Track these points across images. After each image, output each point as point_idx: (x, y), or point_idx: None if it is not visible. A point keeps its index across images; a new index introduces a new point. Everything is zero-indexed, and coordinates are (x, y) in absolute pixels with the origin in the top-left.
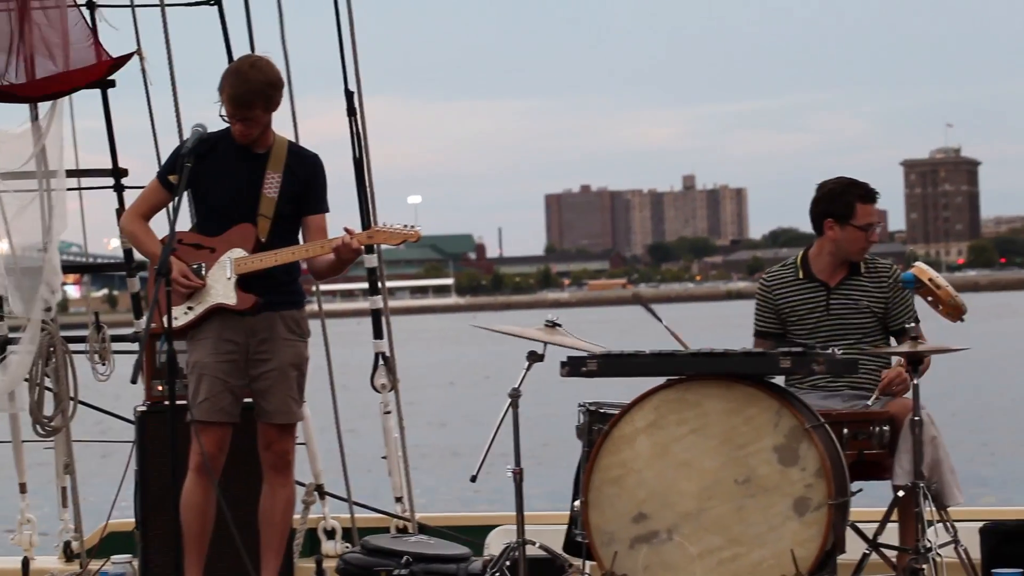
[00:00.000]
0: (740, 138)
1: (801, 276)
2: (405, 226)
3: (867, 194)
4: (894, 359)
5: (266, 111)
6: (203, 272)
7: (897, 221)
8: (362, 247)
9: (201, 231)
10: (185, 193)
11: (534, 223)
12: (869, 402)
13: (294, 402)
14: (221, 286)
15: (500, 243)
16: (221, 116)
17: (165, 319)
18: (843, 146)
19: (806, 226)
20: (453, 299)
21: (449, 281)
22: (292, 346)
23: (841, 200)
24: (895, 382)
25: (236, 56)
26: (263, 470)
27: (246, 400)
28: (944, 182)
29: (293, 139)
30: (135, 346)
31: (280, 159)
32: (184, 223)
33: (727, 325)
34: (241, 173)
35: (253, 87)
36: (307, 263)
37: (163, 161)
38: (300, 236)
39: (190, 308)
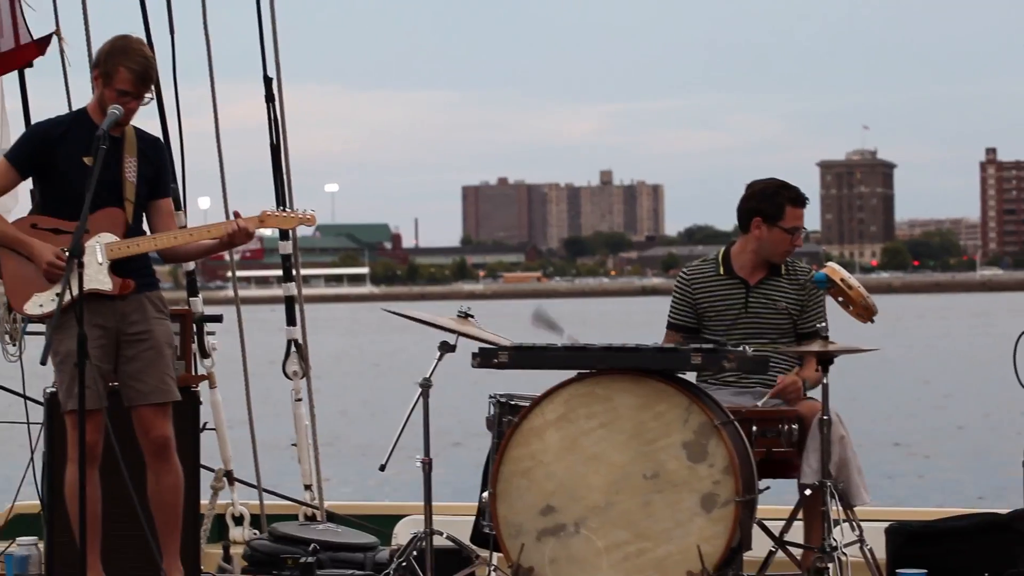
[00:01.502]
0: (658, 135)
1: (722, 272)
2: (299, 210)
3: (798, 198)
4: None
5: (148, 91)
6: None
7: (812, 222)
8: (254, 231)
9: (55, 215)
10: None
11: (451, 214)
12: (759, 402)
13: (171, 380)
14: (93, 271)
15: (416, 234)
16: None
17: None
18: (761, 146)
19: (722, 223)
20: (368, 288)
21: (364, 270)
22: (162, 324)
23: (772, 201)
24: (789, 389)
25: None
26: (145, 457)
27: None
28: (860, 184)
29: (214, 125)
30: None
31: (132, 143)
32: (23, 208)
33: (641, 321)
34: (105, 158)
35: (151, 63)
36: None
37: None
38: (145, 220)
39: (58, 295)
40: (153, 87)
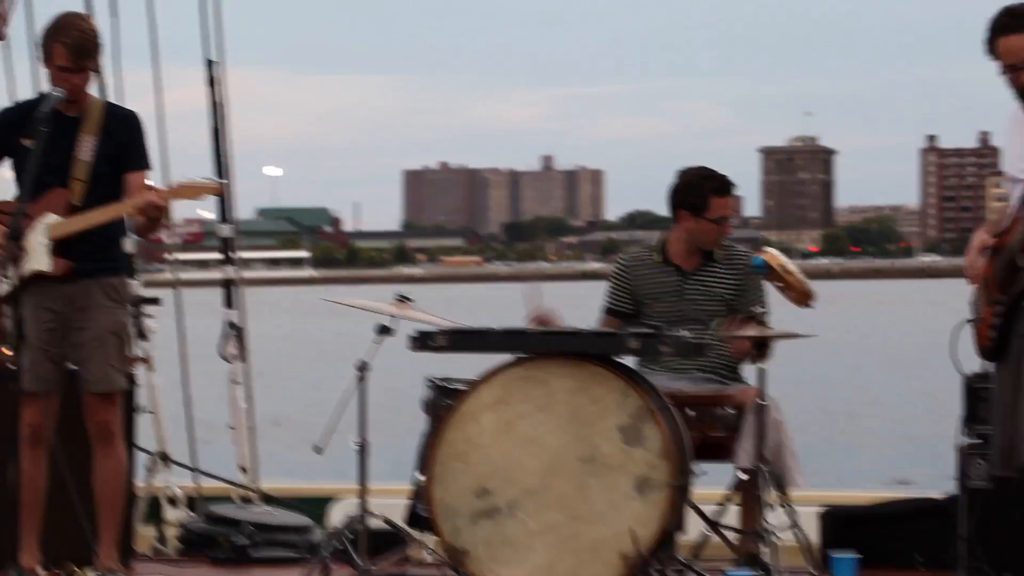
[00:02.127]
0: (600, 121)
1: (659, 260)
2: (206, 178)
3: (722, 187)
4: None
5: (97, 62)
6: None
7: (753, 207)
8: (166, 203)
9: (18, 198)
10: (9, 165)
11: (392, 198)
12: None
13: (114, 370)
14: (37, 252)
15: (357, 217)
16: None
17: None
18: (702, 132)
19: (663, 209)
20: (308, 272)
21: (304, 254)
22: (111, 313)
23: (696, 192)
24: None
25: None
26: (91, 440)
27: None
28: (800, 170)
29: (155, 107)
30: None
31: (96, 120)
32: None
33: (581, 305)
34: (54, 138)
35: (91, 36)
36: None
37: None
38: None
39: (6, 277)
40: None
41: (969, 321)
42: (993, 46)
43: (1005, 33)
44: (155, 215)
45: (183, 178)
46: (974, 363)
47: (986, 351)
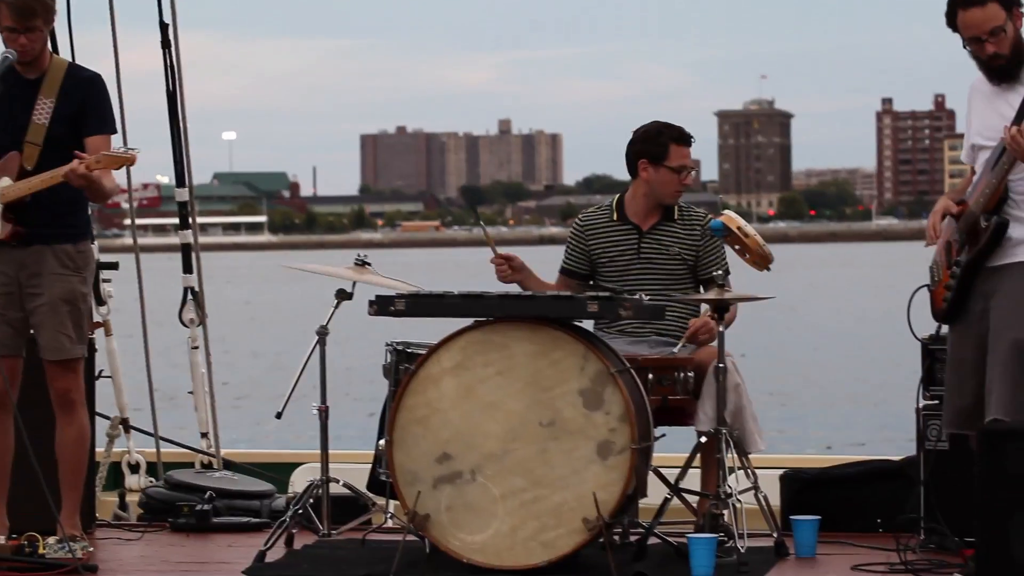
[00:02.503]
0: (557, 84)
1: (615, 219)
2: (123, 149)
3: (681, 137)
4: (703, 307)
5: (47, 22)
6: None
7: (710, 171)
8: (90, 171)
9: None
10: None
11: (349, 163)
12: (675, 349)
13: (66, 339)
14: None
15: (314, 182)
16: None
17: None
18: (659, 95)
19: (620, 173)
20: (266, 237)
21: (262, 219)
22: (64, 280)
23: (656, 141)
24: (701, 331)
25: None
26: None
27: None
28: (757, 134)
29: (115, 71)
30: None
31: (55, 82)
32: None
33: (540, 270)
34: (9, 101)
35: None
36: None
37: None
38: None
39: None
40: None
41: (927, 287)
42: (952, 19)
43: (964, 6)
44: (80, 183)
45: (112, 150)
46: (929, 327)
47: (940, 313)
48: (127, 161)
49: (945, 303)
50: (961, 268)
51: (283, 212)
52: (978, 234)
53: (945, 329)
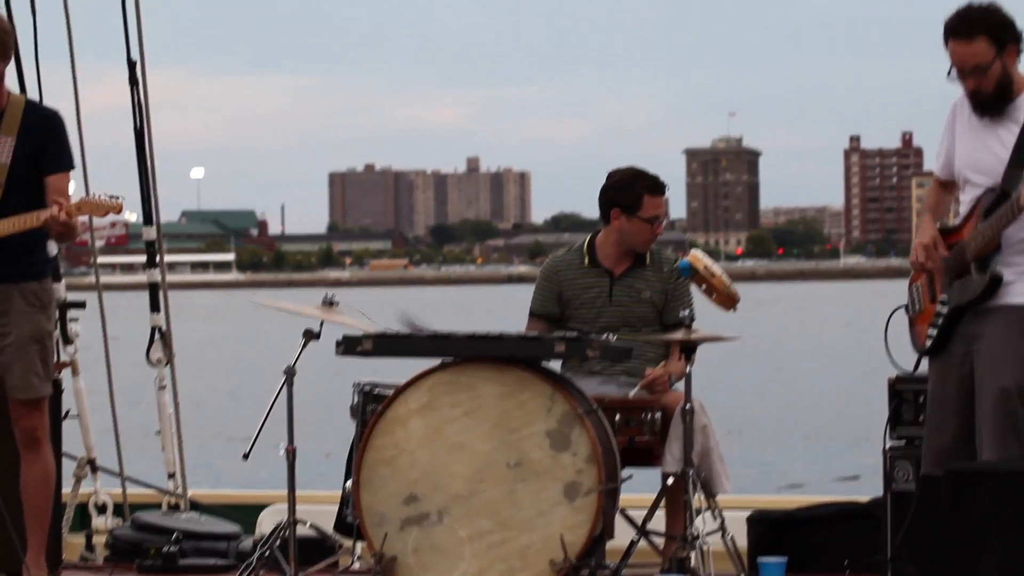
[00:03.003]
0: (526, 122)
1: (586, 263)
2: (111, 196)
3: (655, 186)
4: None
5: (5, 59)
6: None
7: (678, 209)
8: (72, 218)
9: None
10: None
11: (317, 201)
12: (630, 394)
13: (36, 377)
14: None
15: (283, 220)
16: None
17: None
18: (627, 132)
19: (588, 212)
20: (234, 275)
21: (230, 257)
22: (31, 318)
23: (629, 191)
24: (657, 382)
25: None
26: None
27: None
28: (725, 171)
29: (75, 108)
30: None
31: (14, 120)
32: None
33: (507, 309)
34: None
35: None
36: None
37: None
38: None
39: None
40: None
41: (904, 308)
42: (946, 43)
43: (954, 36)
44: (59, 230)
45: (92, 195)
46: (903, 351)
47: (923, 347)
48: (112, 209)
49: (929, 339)
50: (948, 311)
51: (251, 250)
52: (966, 279)
53: (902, 361)
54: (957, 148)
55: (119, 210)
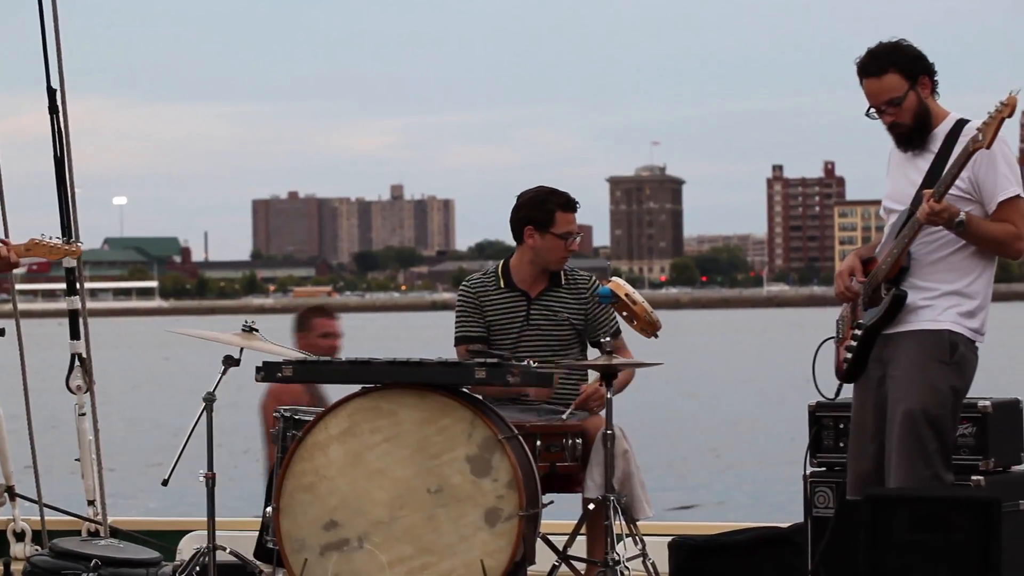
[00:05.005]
0: (450, 150)
1: (502, 286)
2: (67, 240)
3: (567, 203)
4: (592, 374)
5: None
6: None
7: (602, 237)
8: (19, 260)
9: None
10: None
11: (241, 228)
12: (564, 415)
13: None
14: None
15: (206, 247)
16: None
17: None
18: (551, 161)
19: (512, 239)
20: (157, 302)
21: (153, 284)
22: None
23: (542, 208)
24: (592, 398)
25: None
26: None
27: None
28: (649, 199)
29: None
30: None
31: None
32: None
33: (431, 335)
34: None
35: None
36: None
37: None
38: None
39: None
40: None
41: (833, 339)
42: (861, 85)
43: (864, 75)
44: (5, 270)
45: (42, 237)
46: (833, 384)
47: (841, 373)
48: (67, 254)
49: (846, 364)
50: (861, 333)
51: (174, 277)
52: (878, 301)
53: (828, 391)
54: (887, 186)
55: (77, 254)
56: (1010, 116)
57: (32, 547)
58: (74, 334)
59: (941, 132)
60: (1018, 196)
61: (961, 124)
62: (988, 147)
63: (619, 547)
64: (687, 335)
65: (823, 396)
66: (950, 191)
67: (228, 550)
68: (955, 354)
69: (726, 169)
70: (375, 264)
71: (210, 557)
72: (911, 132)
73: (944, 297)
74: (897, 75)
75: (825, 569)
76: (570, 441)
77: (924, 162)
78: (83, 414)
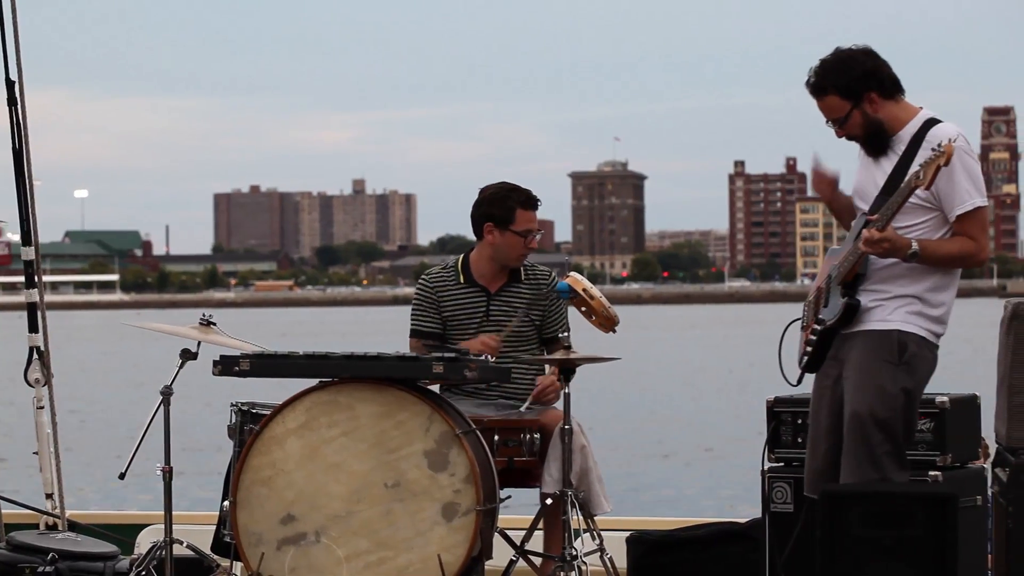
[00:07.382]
0: (412, 144)
1: (462, 281)
2: None
3: (528, 200)
4: (547, 367)
5: None
6: None
7: (564, 232)
8: None
9: None
10: None
11: (202, 222)
12: (522, 408)
13: None
14: None
15: (167, 241)
16: None
17: None
18: (513, 156)
19: (474, 234)
20: (118, 296)
21: (114, 277)
22: None
23: (502, 205)
24: (548, 390)
25: None
26: None
27: None
28: (611, 195)
29: None
30: None
31: None
32: None
33: (392, 330)
34: None
35: None
36: None
37: None
38: None
39: None
40: None
41: (800, 322)
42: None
43: (815, 94)
44: None
45: None
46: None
47: (802, 362)
48: None
49: (806, 356)
50: (820, 329)
51: (135, 271)
52: (835, 302)
53: (794, 375)
54: (854, 180)
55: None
56: (945, 164)
57: None
58: (32, 327)
59: (907, 134)
60: (977, 208)
61: (929, 125)
62: (927, 188)
63: (577, 542)
64: (648, 330)
65: (788, 381)
66: (909, 200)
67: (185, 544)
68: (905, 354)
69: (688, 165)
70: (337, 258)
71: (167, 551)
72: (867, 141)
73: (896, 299)
74: (836, 97)
75: (784, 564)
76: (528, 436)
77: (889, 164)
78: (41, 407)
